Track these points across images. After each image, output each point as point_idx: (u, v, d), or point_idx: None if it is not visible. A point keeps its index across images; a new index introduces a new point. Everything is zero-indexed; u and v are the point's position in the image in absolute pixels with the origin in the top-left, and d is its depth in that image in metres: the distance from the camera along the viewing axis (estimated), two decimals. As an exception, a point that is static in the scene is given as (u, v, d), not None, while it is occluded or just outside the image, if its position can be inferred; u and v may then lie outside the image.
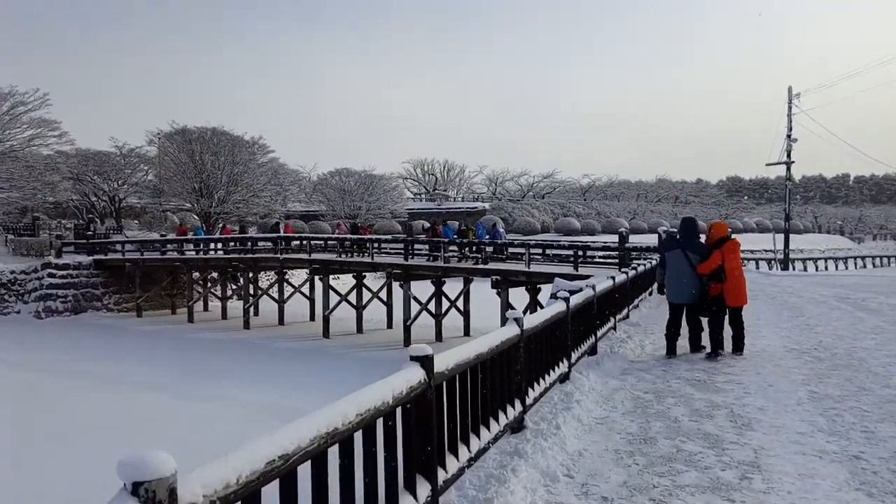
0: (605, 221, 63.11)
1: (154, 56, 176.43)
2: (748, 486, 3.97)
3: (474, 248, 24.46)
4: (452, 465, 3.57)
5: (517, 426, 4.90)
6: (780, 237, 39.37)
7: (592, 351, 8.22)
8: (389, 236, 36.50)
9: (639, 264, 15.44)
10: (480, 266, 23.29)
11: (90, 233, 38.02)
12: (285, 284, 31.69)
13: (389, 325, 28.12)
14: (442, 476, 3.40)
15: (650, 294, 15.09)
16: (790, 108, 34.93)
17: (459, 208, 68.60)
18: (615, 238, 21.76)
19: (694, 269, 8.28)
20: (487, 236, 27.35)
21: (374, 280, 30.97)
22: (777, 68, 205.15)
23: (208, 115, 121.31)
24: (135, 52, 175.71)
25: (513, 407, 4.75)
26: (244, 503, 1.92)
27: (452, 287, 26.10)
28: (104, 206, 49.58)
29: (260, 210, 48.34)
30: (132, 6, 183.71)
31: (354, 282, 28.56)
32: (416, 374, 3.14)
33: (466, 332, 25.89)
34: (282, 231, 33.63)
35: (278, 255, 29.56)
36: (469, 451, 3.82)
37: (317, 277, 28.83)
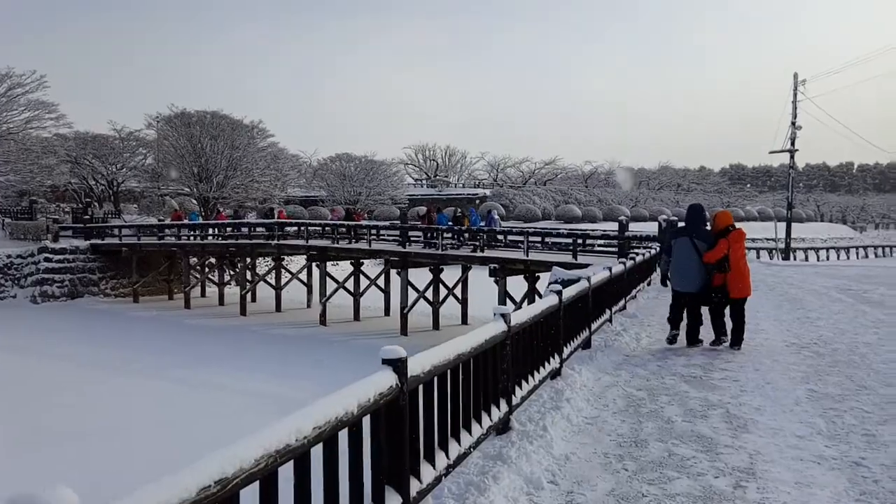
0: (606, 209, 62.75)
1: (155, 41, 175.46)
2: (742, 496, 3.77)
3: (468, 236, 24.21)
4: (428, 474, 3.37)
5: (503, 427, 4.69)
6: (782, 226, 39.06)
7: (586, 345, 8.01)
8: (386, 223, 36.16)
9: (637, 253, 15.22)
10: (478, 254, 23.05)
11: (87, 217, 37.77)
12: (283, 271, 31.52)
13: (387, 313, 27.96)
14: (416, 487, 3.19)
15: (648, 284, 14.87)
16: (795, 95, 34.50)
17: (460, 194, 68.18)
18: (616, 226, 21.51)
19: (701, 258, 8.12)
20: (482, 223, 27.05)
21: (372, 267, 30.77)
22: (783, 55, 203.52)
23: (209, 100, 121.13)
24: (136, 36, 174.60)
25: (498, 408, 4.54)
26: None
27: (450, 275, 25.90)
28: (102, 190, 49.33)
29: (259, 195, 48.03)
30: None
31: (352, 268, 28.38)
32: (386, 380, 2.92)
33: (464, 321, 25.74)
34: (276, 217, 33.38)
35: (275, 242, 29.34)
36: (448, 457, 3.61)
37: (314, 264, 28.62)
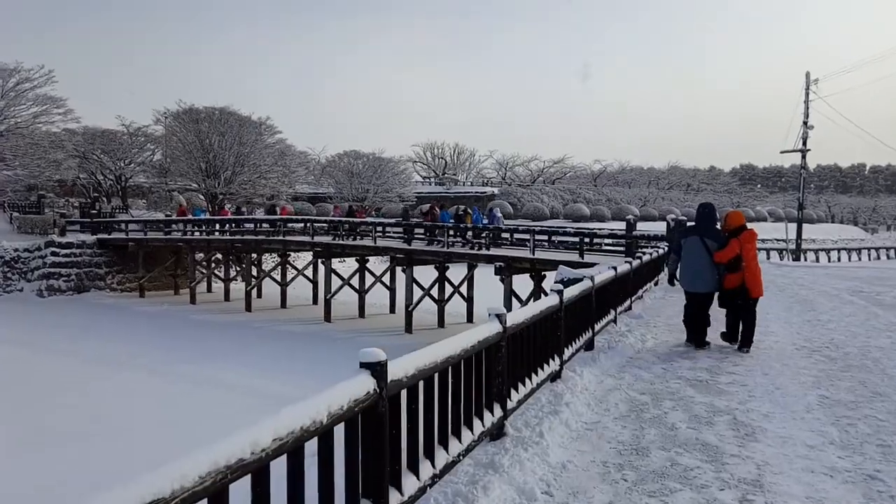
0: (615, 208, 62.35)
1: (156, 40, 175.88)
2: (748, 511, 3.53)
3: (469, 233, 24.00)
4: (411, 485, 3.15)
5: (497, 433, 4.47)
6: (793, 226, 38.59)
7: (589, 346, 7.78)
8: (392, 220, 35.93)
9: (644, 253, 14.96)
10: (484, 252, 22.84)
11: (94, 212, 37.80)
12: (288, 267, 31.42)
13: (392, 310, 27.78)
14: (396, 499, 2.98)
15: (656, 284, 14.59)
16: (807, 94, 34.03)
17: (468, 192, 67.90)
18: (624, 225, 21.23)
19: (712, 257, 7.97)
20: (485, 220, 26.82)
21: (379, 264, 30.61)
22: (795, 55, 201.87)
23: (218, 96, 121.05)
24: (145, 32, 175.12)
25: (491, 412, 4.32)
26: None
27: (457, 273, 25.69)
28: (111, 185, 49.40)
29: (266, 191, 47.97)
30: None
31: (358, 265, 28.23)
32: (363, 385, 2.71)
33: (469, 319, 25.51)
34: (279, 213, 33.27)
35: (281, 238, 29.22)
36: (434, 467, 3.40)
37: (319, 261, 28.48)
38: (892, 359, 7.57)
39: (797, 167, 38.09)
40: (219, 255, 33.26)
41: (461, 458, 3.80)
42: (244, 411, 12.26)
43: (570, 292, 6.57)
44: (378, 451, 2.82)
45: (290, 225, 30.99)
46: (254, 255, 30.98)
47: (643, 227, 30.08)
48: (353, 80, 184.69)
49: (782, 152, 36.42)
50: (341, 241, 27.20)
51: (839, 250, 47.62)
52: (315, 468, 2.50)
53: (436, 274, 25.34)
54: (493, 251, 22.73)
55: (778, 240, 45.61)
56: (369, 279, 27.91)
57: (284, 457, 2.24)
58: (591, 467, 4.15)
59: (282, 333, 23.48)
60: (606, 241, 21.88)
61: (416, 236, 25.27)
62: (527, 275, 21.44)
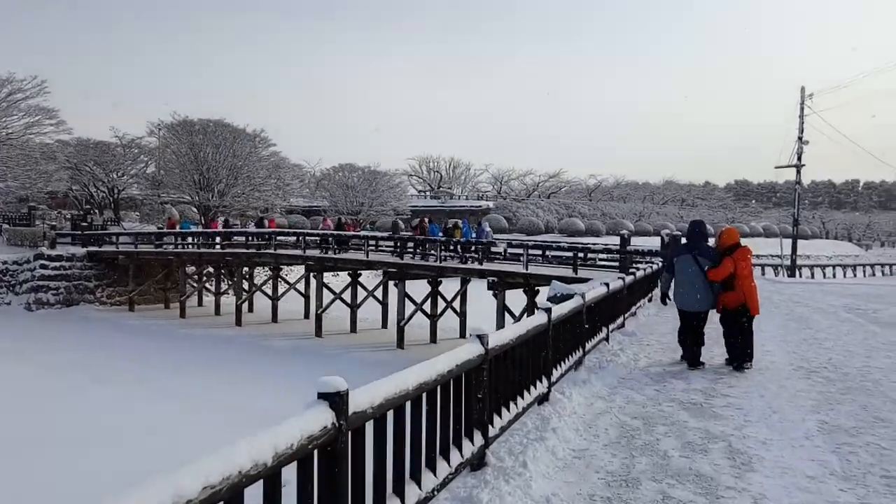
0: (610, 223, 62.27)
1: (159, 48, 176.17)
2: (745, 553, 3.26)
3: (459, 248, 23.78)
4: (376, 526, 2.88)
5: (477, 463, 4.19)
6: (788, 242, 38.47)
7: (580, 365, 7.51)
8: (383, 234, 35.58)
9: (639, 268, 14.74)
10: (477, 266, 22.58)
11: (85, 224, 37.45)
12: (280, 281, 31.09)
13: (384, 325, 27.45)
14: (357, 544, 2.70)
15: (650, 300, 14.35)
16: (802, 109, 34.04)
17: (463, 206, 67.78)
18: (619, 240, 21.02)
19: (705, 275, 7.81)
20: (474, 235, 26.58)
21: (372, 278, 30.31)
22: (790, 69, 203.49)
23: (213, 108, 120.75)
24: (139, 44, 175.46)
25: (471, 441, 4.05)
26: None
27: (450, 287, 25.41)
28: (103, 197, 49.05)
29: (260, 204, 47.69)
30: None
31: (350, 279, 27.91)
32: (319, 419, 2.44)
33: (462, 334, 25.17)
34: (266, 226, 33.01)
35: (273, 251, 28.92)
36: (403, 504, 3.13)
37: (311, 274, 28.16)
38: (893, 380, 7.33)
39: (791, 183, 38.07)
40: (210, 269, 32.93)
41: (436, 492, 3.52)
42: (220, 426, 11.93)
43: (560, 310, 6.32)
44: (337, 492, 2.55)
45: (281, 238, 30.68)
46: (245, 269, 30.63)
47: (638, 242, 29.88)
48: (350, 93, 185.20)
49: (777, 167, 36.43)
50: (333, 255, 26.90)
51: (834, 266, 47.52)
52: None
53: (428, 288, 25.06)
54: (487, 266, 22.47)
55: (773, 255, 45.49)
56: (361, 293, 27.58)
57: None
58: (576, 501, 3.88)
59: (270, 349, 23.11)
60: (601, 256, 21.64)
61: (406, 250, 25.00)
62: (520, 290, 21.18)
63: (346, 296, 27.52)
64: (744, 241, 8.29)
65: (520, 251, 22.05)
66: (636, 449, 4.85)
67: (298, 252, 28.14)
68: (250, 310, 30.74)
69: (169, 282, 32.77)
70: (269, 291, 30.43)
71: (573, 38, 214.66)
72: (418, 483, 3.32)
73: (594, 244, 25.69)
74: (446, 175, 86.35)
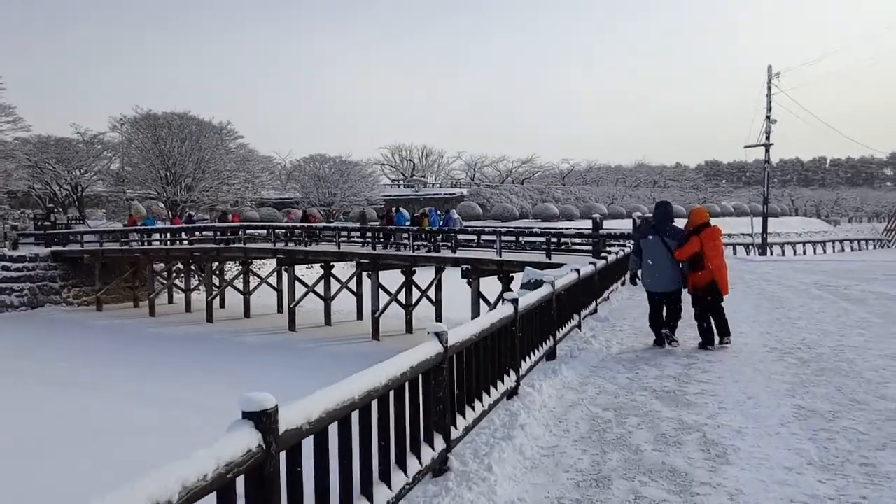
0: (583, 207, 62.37)
1: (123, 47, 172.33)
2: (722, 558, 3.06)
3: (424, 236, 23.50)
4: (319, 552, 2.61)
5: (439, 468, 3.94)
6: (758, 221, 38.81)
7: (551, 356, 7.30)
8: (354, 224, 35.11)
9: (611, 252, 14.60)
10: (450, 255, 22.31)
11: (48, 223, 36.42)
12: (252, 276, 30.55)
13: (359, 317, 27.13)
14: (296, 575, 2.43)
15: (622, 284, 14.22)
16: (769, 87, 34.21)
17: (437, 194, 67.33)
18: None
19: (672, 256, 7.77)
20: (441, 223, 26.31)
21: (346, 269, 29.91)
22: (758, 49, 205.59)
23: (178, 102, 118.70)
24: (101, 42, 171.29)
25: (431, 446, 3.79)
26: None
27: (423, 276, 25.14)
28: (67, 195, 47.76)
29: (230, 197, 46.83)
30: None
31: (323, 272, 27.50)
32: (243, 442, 2.15)
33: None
34: (229, 220, 32.44)
35: (242, 245, 28.36)
36: (351, 524, 2.86)
37: (283, 268, 27.68)
38: (867, 359, 7.23)
39: (761, 162, 38.35)
40: (180, 265, 32.20)
41: (391, 506, 3.26)
42: (187, 429, 11.54)
43: (528, 300, 6.08)
44: (267, 521, 2.27)
45: (251, 232, 30.11)
46: (215, 265, 30.03)
47: (611, 225, 29.87)
48: (319, 84, 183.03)
49: (746, 147, 36.59)
50: (304, 248, 26.44)
51: (804, 243, 48.18)
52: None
53: (403, 278, 24.78)
54: (460, 254, 22.22)
55: (744, 234, 45.94)
56: (335, 286, 27.22)
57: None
58: (544, 505, 3.65)
59: (242, 344, 22.65)
60: (574, 240, 21.51)
61: (379, 240, 24.65)
62: (494, 277, 21.00)
63: (320, 288, 27.14)
64: (715, 221, 8.25)
65: (493, 238, 21.83)
66: (608, 444, 4.64)
67: (268, 245, 27.64)
68: (222, 306, 30.20)
69: (137, 280, 32.01)
70: (241, 286, 29.91)
71: (540, 22, 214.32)
72: (370, 499, 3.05)
73: (567, 228, 25.63)
74: (419, 163, 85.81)
